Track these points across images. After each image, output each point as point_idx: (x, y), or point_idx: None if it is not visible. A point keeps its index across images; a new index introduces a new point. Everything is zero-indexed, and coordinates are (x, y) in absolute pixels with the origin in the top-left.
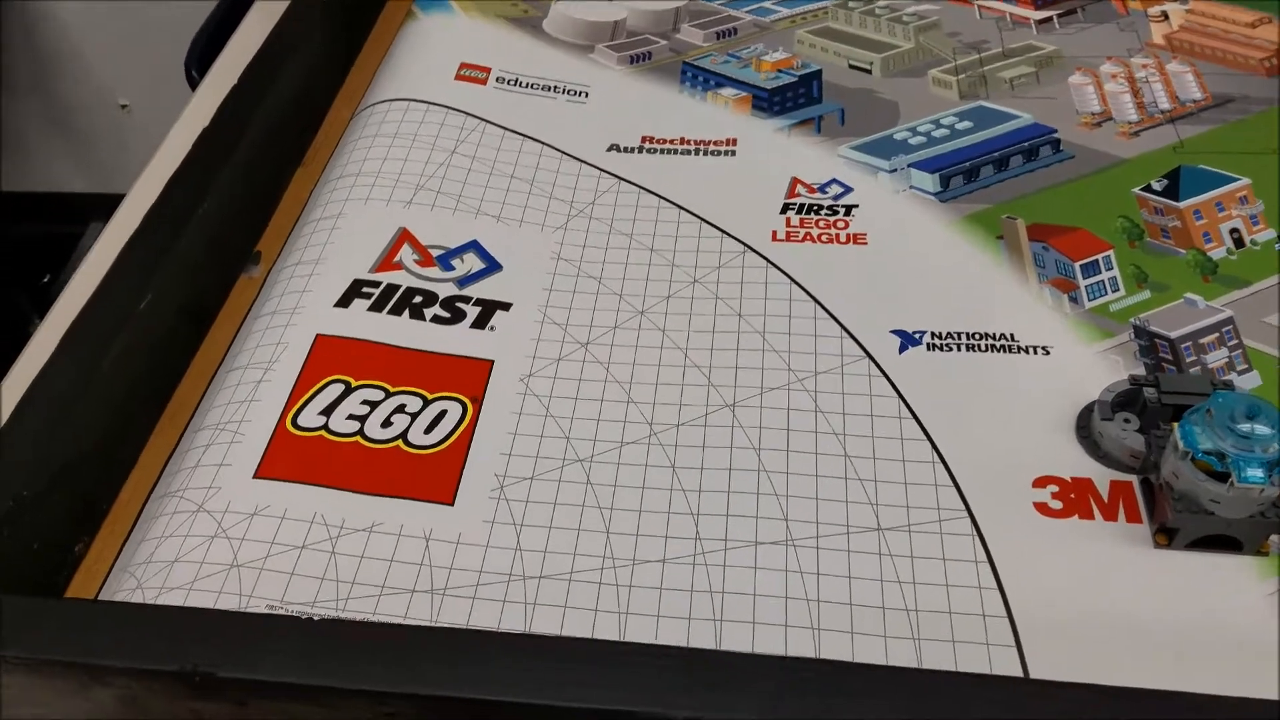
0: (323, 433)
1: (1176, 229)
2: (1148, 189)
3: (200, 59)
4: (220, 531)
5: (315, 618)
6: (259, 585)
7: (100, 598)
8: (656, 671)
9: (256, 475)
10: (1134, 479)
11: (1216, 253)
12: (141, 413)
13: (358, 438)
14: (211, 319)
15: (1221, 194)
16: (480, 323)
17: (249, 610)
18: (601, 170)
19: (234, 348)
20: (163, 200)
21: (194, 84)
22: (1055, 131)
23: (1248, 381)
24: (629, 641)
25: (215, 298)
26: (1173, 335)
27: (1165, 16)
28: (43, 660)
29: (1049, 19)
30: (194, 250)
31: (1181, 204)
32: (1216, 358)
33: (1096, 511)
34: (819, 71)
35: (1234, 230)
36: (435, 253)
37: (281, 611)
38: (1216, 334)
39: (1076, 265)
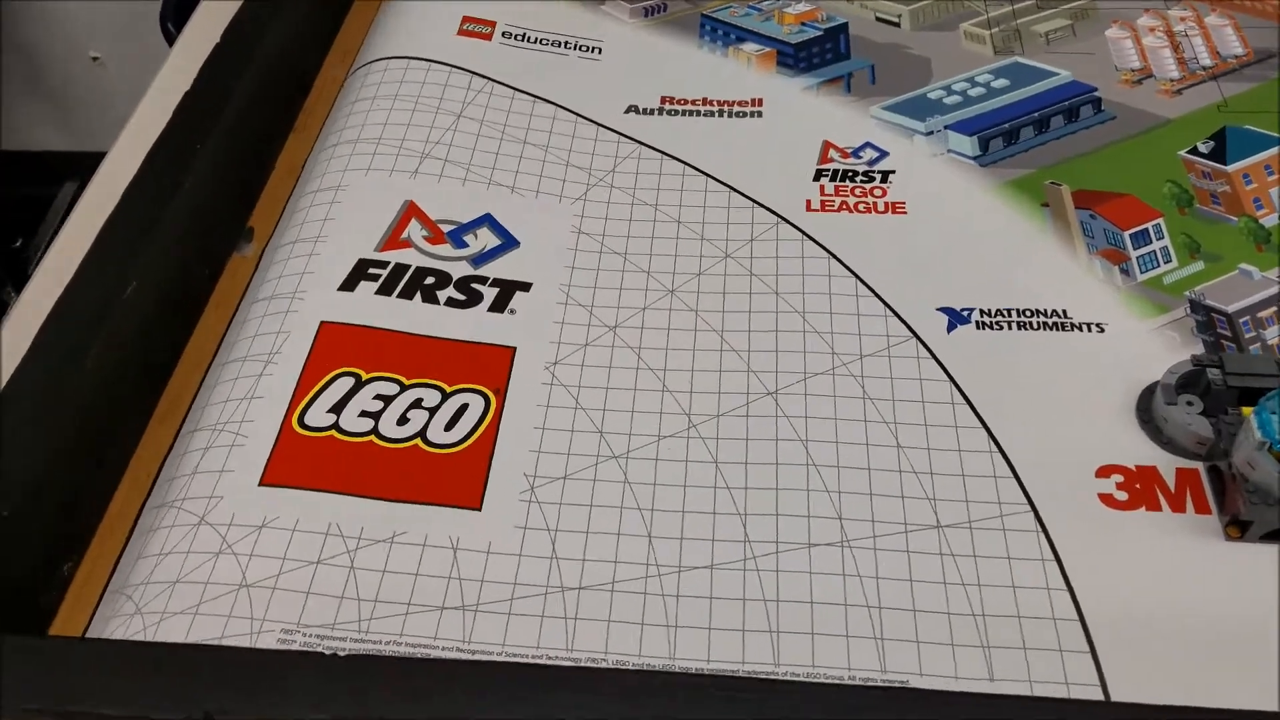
0: (333, 432)
1: (1226, 194)
2: (1194, 151)
3: (176, 11)
4: (225, 547)
5: (340, 653)
6: (272, 607)
7: (94, 623)
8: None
9: (262, 482)
10: (1200, 466)
11: (1268, 220)
12: (129, 414)
13: (372, 437)
14: (202, 305)
15: (1270, 156)
16: (499, 305)
17: (262, 635)
18: (620, 134)
19: (229, 337)
20: (144, 174)
21: (170, 38)
22: (1095, 90)
23: None
24: (700, 674)
25: (205, 281)
26: (1230, 310)
27: None
28: (30, 711)
29: None
30: (180, 228)
31: (1229, 167)
32: (1276, 333)
33: (1164, 502)
34: (845, 25)
35: None
36: (446, 228)
37: (299, 636)
38: (1275, 308)
39: (1126, 234)
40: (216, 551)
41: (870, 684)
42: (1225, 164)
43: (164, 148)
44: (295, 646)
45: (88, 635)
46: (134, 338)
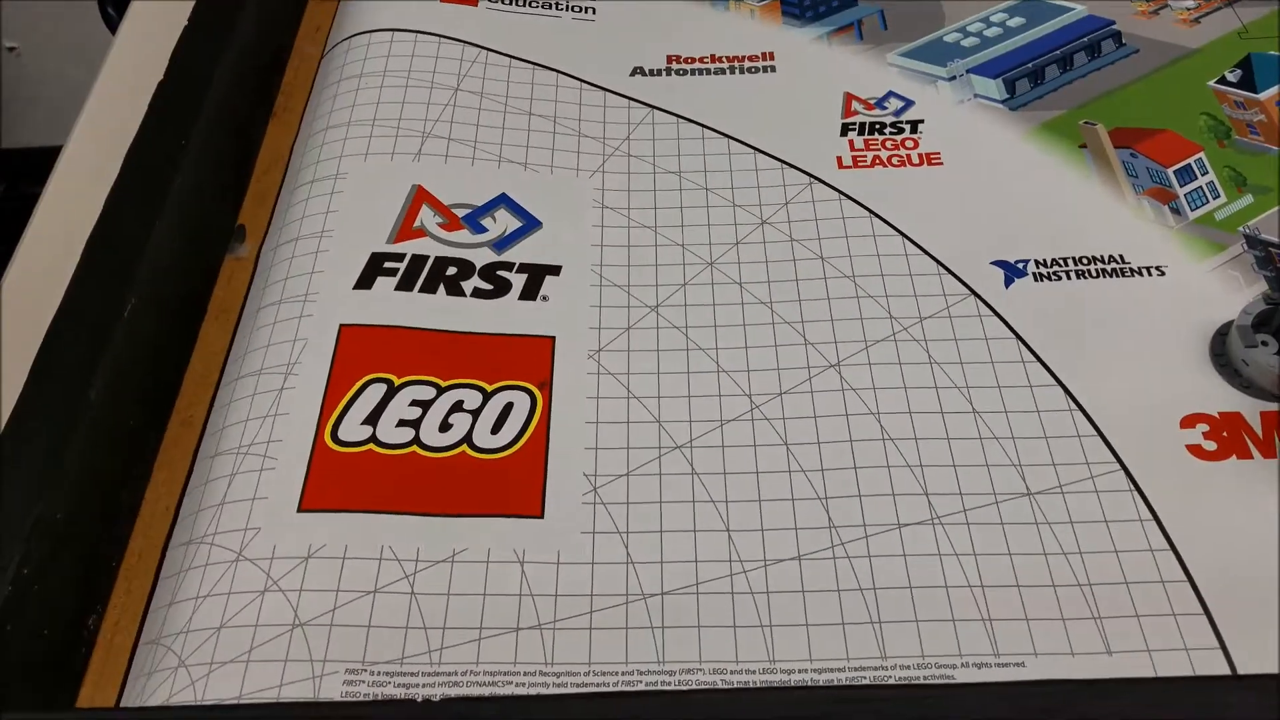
0: (371, 446)
1: (1263, 124)
2: (1223, 81)
3: None
4: (271, 583)
5: (430, 698)
6: (332, 646)
7: (130, 682)
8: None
9: (302, 507)
10: None
11: None
12: (140, 444)
13: (414, 447)
14: (201, 316)
15: None
16: (530, 292)
17: (326, 678)
18: (630, 99)
19: (236, 348)
20: (127, 176)
21: (111, 23)
22: (1114, 23)
23: None
24: (826, 686)
25: (202, 288)
26: None
27: None
28: None
29: None
30: (172, 234)
31: (1261, 95)
32: None
33: (1254, 449)
34: None
35: None
36: (461, 213)
37: (367, 676)
38: None
39: (1170, 171)
40: (262, 589)
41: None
42: (1257, 92)
43: (145, 145)
44: (364, 688)
45: (126, 697)
46: (138, 360)
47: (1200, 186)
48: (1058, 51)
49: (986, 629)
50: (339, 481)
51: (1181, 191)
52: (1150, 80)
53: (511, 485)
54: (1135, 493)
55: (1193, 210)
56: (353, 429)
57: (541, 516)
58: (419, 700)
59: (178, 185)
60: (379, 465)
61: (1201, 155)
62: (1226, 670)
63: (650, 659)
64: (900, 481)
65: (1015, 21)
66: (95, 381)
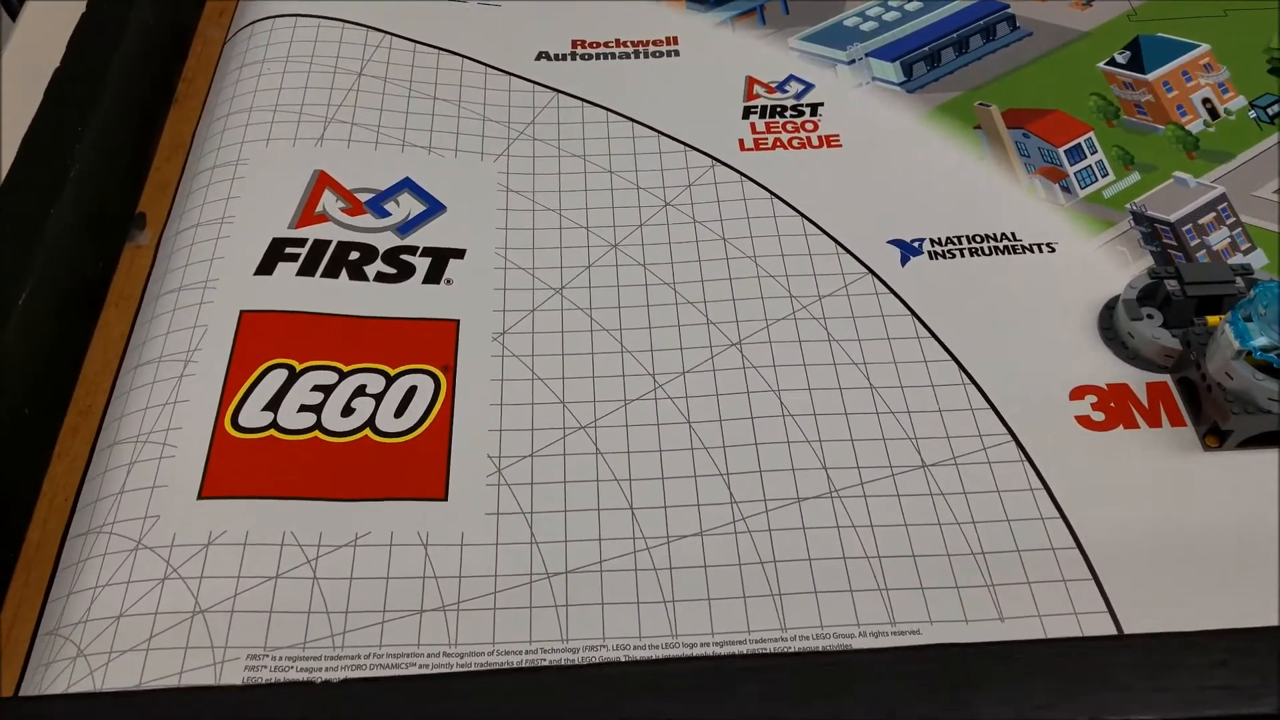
0: (272, 432)
1: (1150, 103)
2: (1112, 63)
3: None
4: (171, 571)
5: (332, 679)
6: (234, 632)
7: (28, 674)
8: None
9: (202, 495)
10: (1169, 379)
11: (1194, 126)
12: (37, 434)
13: (316, 432)
14: (99, 304)
15: (1185, 62)
16: (434, 276)
17: (228, 664)
18: (535, 83)
19: (136, 337)
20: (22, 164)
21: (12, 9)
22: (1008, 7)
23: (1255, 260)
24: (720, 656)
25: (100, 276)
26: (1172, 219)
27: None
28: None
29: None
30: (69, 222)
31: (1149, 76)
32: (1219, 238)
33: (1139, 419)
34: None
35: (1206, 100)
36: (363, 197)
37: (269, 661)
38: (1213, 213)
39: (1060, 151)
40: (161, 577)
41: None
42: (1145, 73)
43: (42, 133)
44: (266, 673)
45: (25, 687)
46: (33, 349)
47: (1090, 165)
48: (954, 35)
49: (884, 598)
50: (240, 468)
51: (1071, 170)
52: (1043, 62)
53: (415, 468)
54: (1026, 463)
55: (1082, 188)
56: (253, 415)
57: (445, 499)
58: (319, 682)
59: (75, 173)
60: (280, 451)
61: (1091, 135)
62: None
63: (555, 637)
64: (800, 457)
65: (913, 6)
66: None
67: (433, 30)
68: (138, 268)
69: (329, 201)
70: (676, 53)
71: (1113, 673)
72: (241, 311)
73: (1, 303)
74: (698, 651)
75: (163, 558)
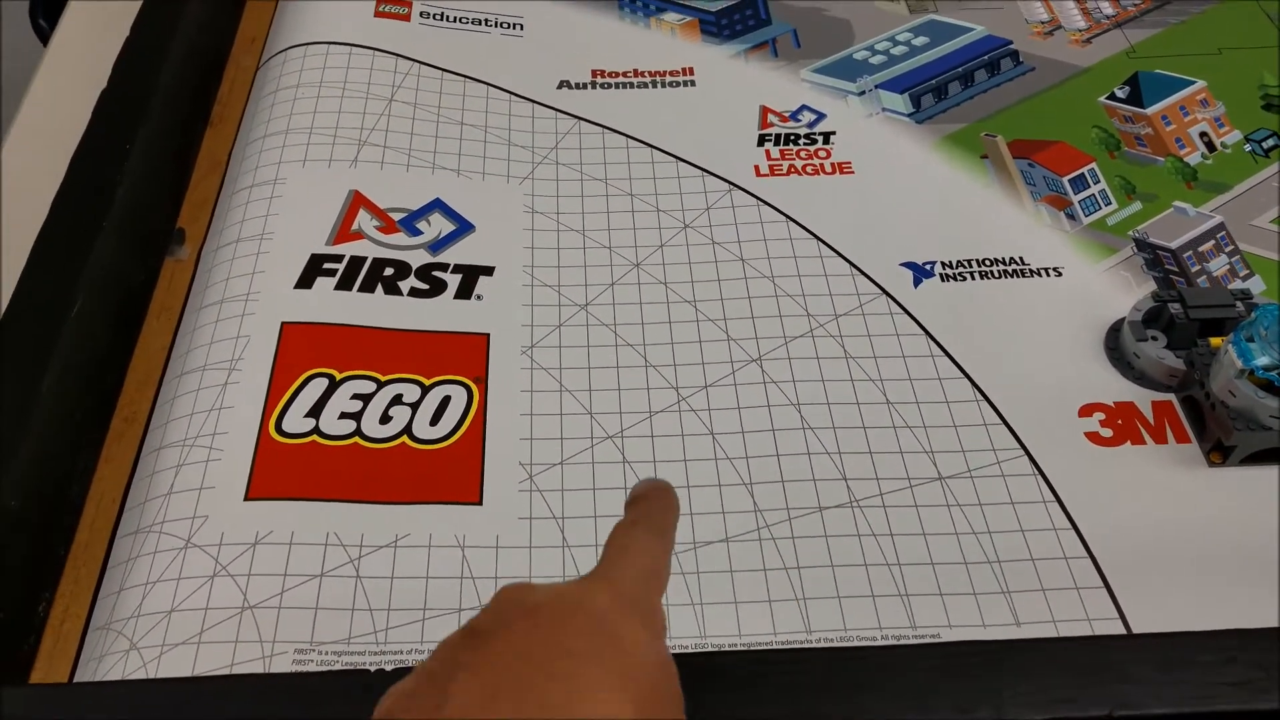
0: (315, 437)
1: (1150, 136)
2: (1112, 97)
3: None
4: (220, 569)
5: (382, 668)
6: (281, 627)
7: (81, 665)
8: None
9: (249, 496)
10: (1173, 398)
11: (1192, 158)
12: (87, 437)
13: (356, 439)
14: (142, 315)
15: (1183, 98)
16: (465, 292)
17: (276, 658)
18: (557, 110)
19: (179, 346)
20: (73, 180)
21: (42, 33)
22: (1011, 43)
23: (1253, 286)
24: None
25: (143, 289)
26: (1173, 246)
27: None
28: None
29: None
30: (117, 235)
31: (1148, 110)
32: (1218, 265)
33: (1146, 435)
34: None
35: (1203, 134)
36: (397, 216)
37: (315, 655)
38: (1212, 241)
39: (1065, 180)
40: (211, 574)
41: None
42: (1144, 107)
43: (91, 151)
44: (313, 666)
45: (78, 679)
46: (85, 356)
47: (1093, 194)
48: (960, 69)
49: (904, 604)
50: (284, 471)
51: (1076, 199)
52: (1045, 96)
53: (451, 474)
54: (1039, 476)
55: (1086, 216)
56: (296, 421)
57: (480, 503)
58: (372, 670)
59: (122, 190)
60: (323, 456)
61: (1094, 165)
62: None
63: None
64: (820, 468)
65: (920, 40)
66: (46, 376)
67: (459, 58)
68: (178, 281)
69: (364, 220)
70: (693, 83)
71: (1129, 669)
72: (283, 323)
73: (57, 313)
74: (724, 650)
75: (212, 556)
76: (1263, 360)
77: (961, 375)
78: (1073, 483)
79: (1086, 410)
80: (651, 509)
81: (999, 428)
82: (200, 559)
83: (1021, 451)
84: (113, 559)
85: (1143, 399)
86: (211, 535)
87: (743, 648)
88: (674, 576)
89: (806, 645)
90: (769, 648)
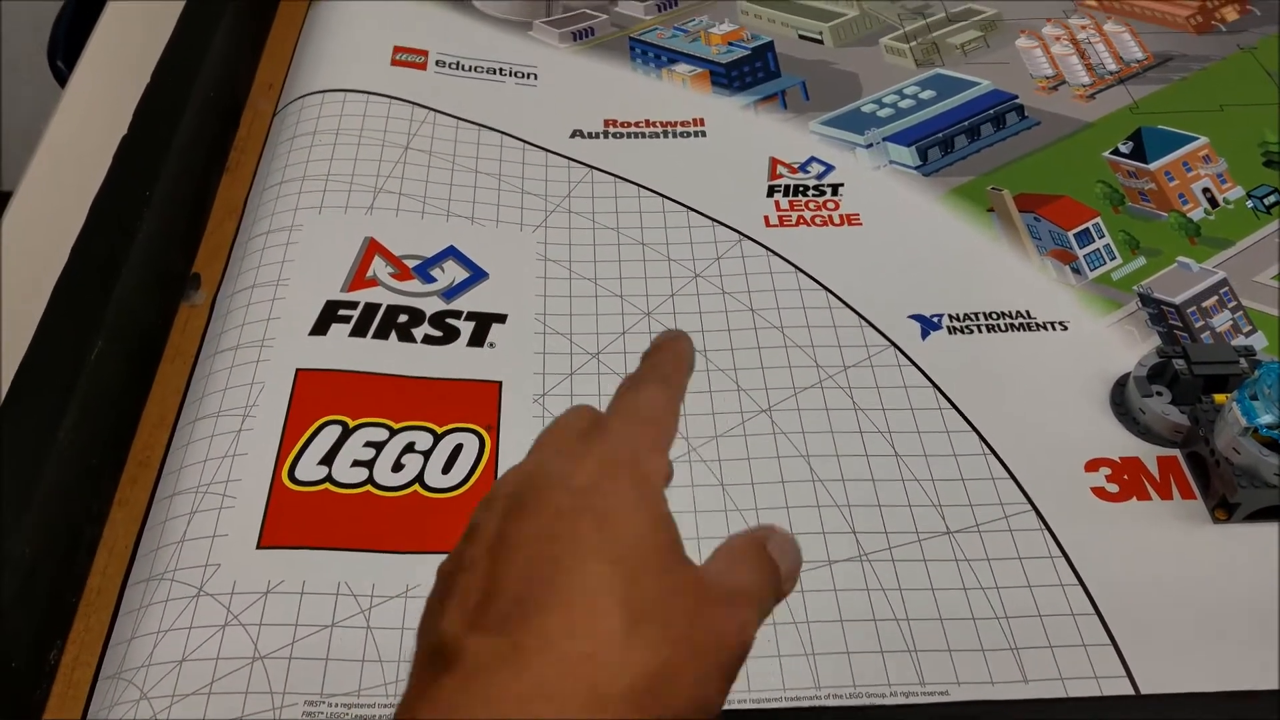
0: (327, 485)
1: (1153, 191)
2: (1116, 152)
3: (67, 48)
4: (231, 618)
5: None
6: (291, 679)
7: (91, 714)
8: None
9: (261, 544)
10: (1179, 454)
11: (1195, 213)
12: (101, 482)
13: (368, 487)
14: (157, 360)
15: (1186, 154)
16: (478, 339)
17: (286, 709)
18: (570, 159)
19: (193, 391)
20: (93, 224)
21: (61, 76)
22: (1016, 97)
23: (1256, 342)
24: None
25: (158, 333)
26: (1177, 301)
27: None
28: None
29: None
30: (134, 281)
31: (1152, 166)
32: (1221, 320)
33: (1151, 491)
34: (771, 43)
35: (1206, 190)
36: (411, 263)
37: (325, 708)
38: (1215, 297)
39: (1070, 234)
40: (222, 624)
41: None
42: (1147, 163)
43: (112, 197)
44: (324, 719)
45: None
46: (102, 402)
47: (1098, 248)
48: (966, 122)
49: (913, 660)
50: (297, 519)
51: (1081, 253)
52: (1051, 150)
53: (462, 523)
54: (1046, 531)
55: (1091, 270)
56: (309, 469)
57: None
58: None
59: (141, 235)
60: (335, 504)
61: (1099, 220)
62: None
63: None
64: (830, 520)
65: (927, 94)
66: (64, 421)
67: (473, 107)
68: (193, 326)
69: (379, 267)
70: (703, 133)
71: None
72: (297, 370)
73: (76, 357)
74: (733, 709)
75: (223, 604)
76: (1266, 419)
77: (969, 428)
78: (1079, 538)
79: (1093, 465)
80: (661, 360)
81: (1006, 482)
82: (212, 608)
83: (1029, 506)
84: (124, 606)
85: (1148, 454)
86: (223, 584)
87: (752, 705)
88: None
89: (817, 703)
90: (779, 706)
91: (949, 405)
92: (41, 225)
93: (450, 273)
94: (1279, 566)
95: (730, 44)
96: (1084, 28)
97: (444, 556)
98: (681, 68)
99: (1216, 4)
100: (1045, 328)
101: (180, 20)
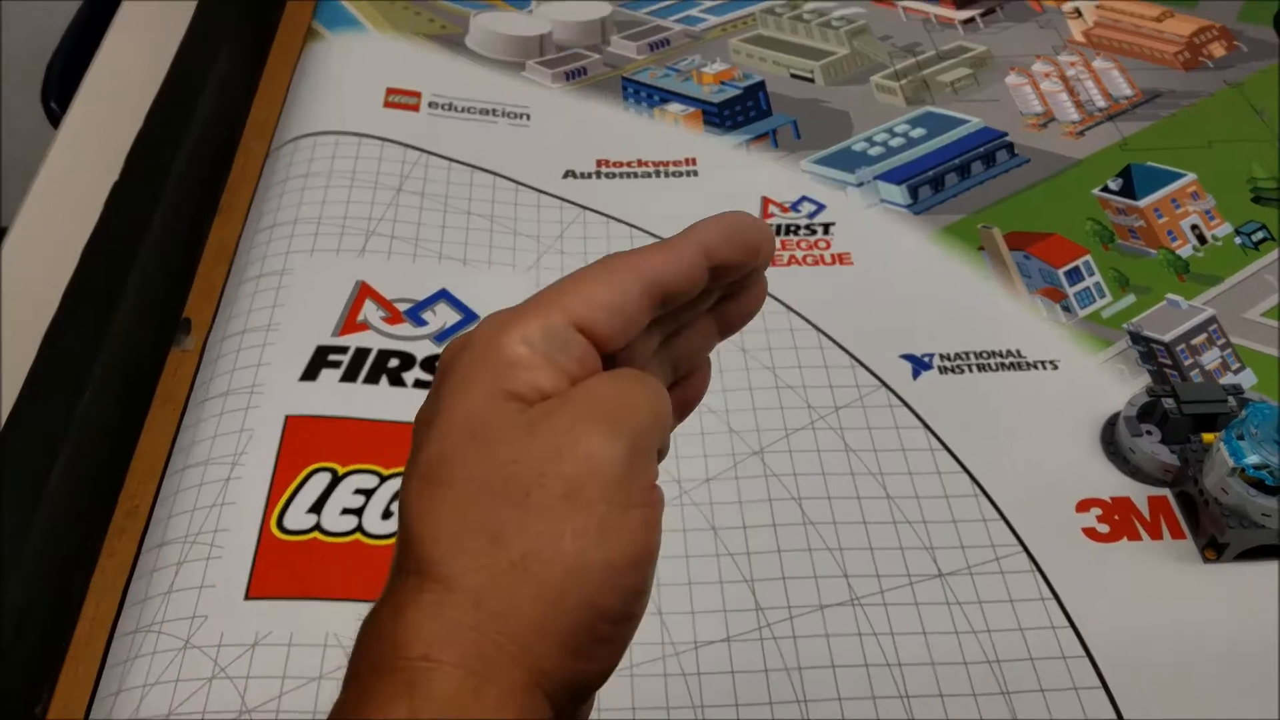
0: (316, 534)
1: (1143, 229)
2: (1106, 189)
3: (60, 90)
4: (219, 670)
5: None
6: None
7: None
8: None
9: (249, 595)
10: (1168, 493)
11: (1184, 250)
12: (90, 530)
13: (357, 535)
14: (147, 406)
15: (1174, 190)
16: None
17: None
18: (562, 200)
19: (183, 438)
20: (84, 271)
21: (53, 117)
22: (1006, 135)
23: (1245, 379)
24: None
25: (149, 379)
26: (1166, 339)
27: (1079, 13)
28: None
29: (972, 19)
30: (126, 326)
31: (1141, 203)
32: (1211, 358)
33: (1142, 531)
34: (762, 82)
35: (1194, 226)
36: (403, 306)
37: None
38: (1205, 334)
39: (1060, 272)
40: (209, 677)
41: None
42: (1136, 200)
43: (103, 244)
44: None
45: None
46: (93, 447)
47: (1088, 286)
48: (956, 160)
49: (904, 705)
50: (285, 570)
51: (1071, 291)
52: (1041, 187)
53: None
54: (1037, 573)
55: (1081, 308)
56: (298, 518)
57: None
58: None
59: (132, 280)
60: (324, 553)
61: (1088, 257)
62: None
63: None
64: (821, 564)
65: (917, 132)
66: (56, 467)
67: (466, 148)
68: (183, 371)
69: (370, 310)
70: (695, 173)
71: None
72: (287, 416)
73: (68, 404)
74: None
75: (210, 657)
76: (1253, 459)
77: (960, 469)
78: (1070, 580)
79: (1084, 505)
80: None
81: (998, 523)
82: (199, 660)
83: (1020, 548)
84: (112, 658)
85: (1139, 494)
86: (211, 636)
87: None
88: (675, 678)
89: None
90: None
91: (940, 446)
92: (34, 270)
93: (442, 315)
94: (1278, 605)
95: (722, 83)
96: (1073, 64)
97: None
98: (674, 107)
99: (1204, 40)
100: (1036, 367)
101: (174, 63)
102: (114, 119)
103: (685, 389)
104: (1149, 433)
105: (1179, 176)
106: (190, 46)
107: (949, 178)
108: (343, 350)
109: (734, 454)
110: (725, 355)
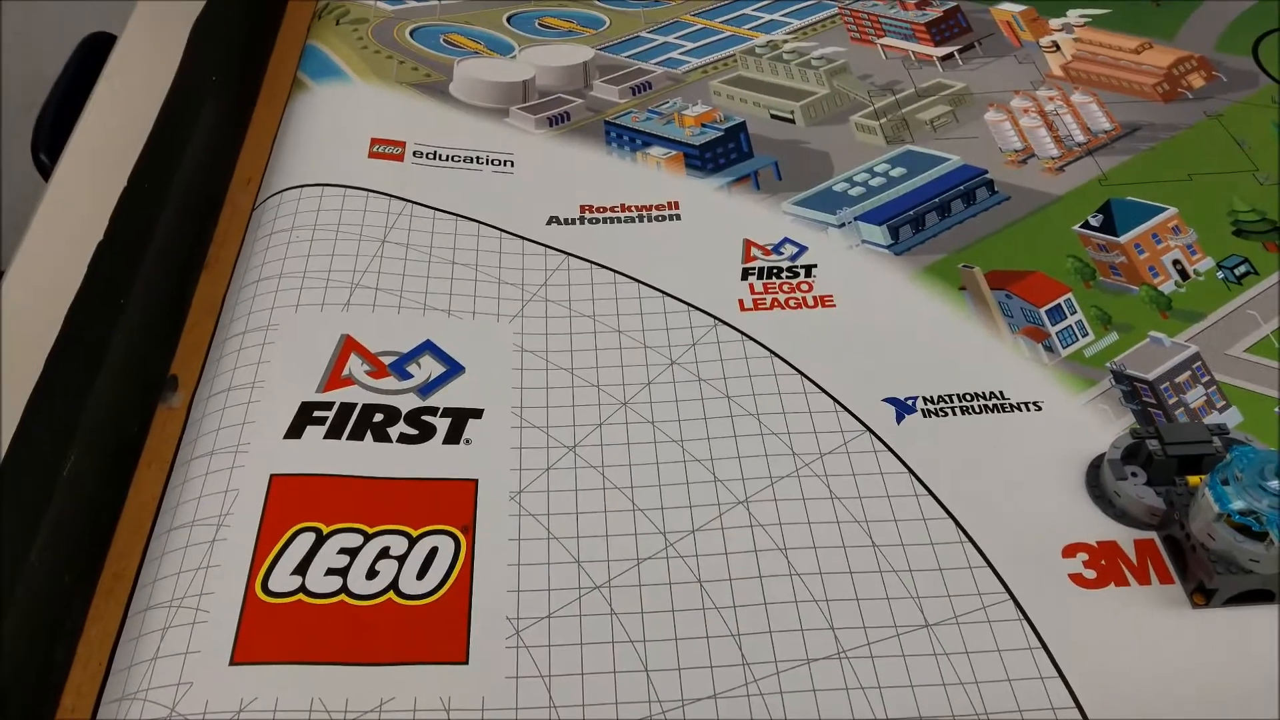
0: (301, 596)
1: (1124, 265)
2: (1086, 225)
3: (50, 143)
4: None
5: None
6: None
7: None
8: None
9: (234, 661)
10: (1155, 536)
11: (1166, 286)
12: (74, 600)
13: (342, 596)
14: (133, 466)
15: (1155, 225)
16: (453, 436)
17: None
18: (547, 247)
19: (169, 499)
20: (68, 334)
21: (44, 169)
22: (986, 172)
23: (1230, 418)
24: None
25: (135, 439)
26: (1150, 378)
27: (1056, 47)
28: None
29: (950, 55)
30: (110, 386)
31: (1122, 239)
32: (1195, 396)
33: (1129, 576)
34: (743, 124)
35: (1176, 262)
36: (387, 360)
37: None
38: (1189, 372)
39: (1042, 311)
40: None
41: None
42: (1117, 235)
43: (87, 306)
44: None
45: None
46: (75, 516)
47: (1070, 325)
48: (936, 199)
49: None
50: (270, 633)
51: (1053, 330)
52: (1021, 225)
53: (437, 631)
54: (1024, 621)
55: (1064, 348)
56: (283, 579)
57: (466, 662)
58: None
59: (116, 340)
60: (309, 615)
61: (1070, 296)
62: None
63: None
64: (808, 616)
65: (897, 171)
66: (37, 539)
67: (451, 196)
68: (170, 430)
69: (355, 365)
70: (678, 216)
71: None
72: (272, 475)
73: (49, 471)
74: None
75: None
76: (1238, 505)
77: (945, 515)
78: (1058, 628)
79: (1070, 550)
80: None
81: (984, 570)
82: None
83: (1006, 596)
84: None
85: (1125, 537)
86: (196, 704)
87: None
88: None
89: None
90: None
91: (925, 492)
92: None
93: (426, 368)
94: (1276, 651)
95: (703, 125)
96: (1051, 99)
97: (416, 667)
98: (656, 150)
99: (1183, 71)
100: (1019, 408)
101: (157, 121)
102: (104, 170)
103: None
104: (1134, 474)
105: (1159, 211)
106: (174, 103)
107: (929, 217)
108: (327, 406)
109: (719, 504)
110: (710, 403)
